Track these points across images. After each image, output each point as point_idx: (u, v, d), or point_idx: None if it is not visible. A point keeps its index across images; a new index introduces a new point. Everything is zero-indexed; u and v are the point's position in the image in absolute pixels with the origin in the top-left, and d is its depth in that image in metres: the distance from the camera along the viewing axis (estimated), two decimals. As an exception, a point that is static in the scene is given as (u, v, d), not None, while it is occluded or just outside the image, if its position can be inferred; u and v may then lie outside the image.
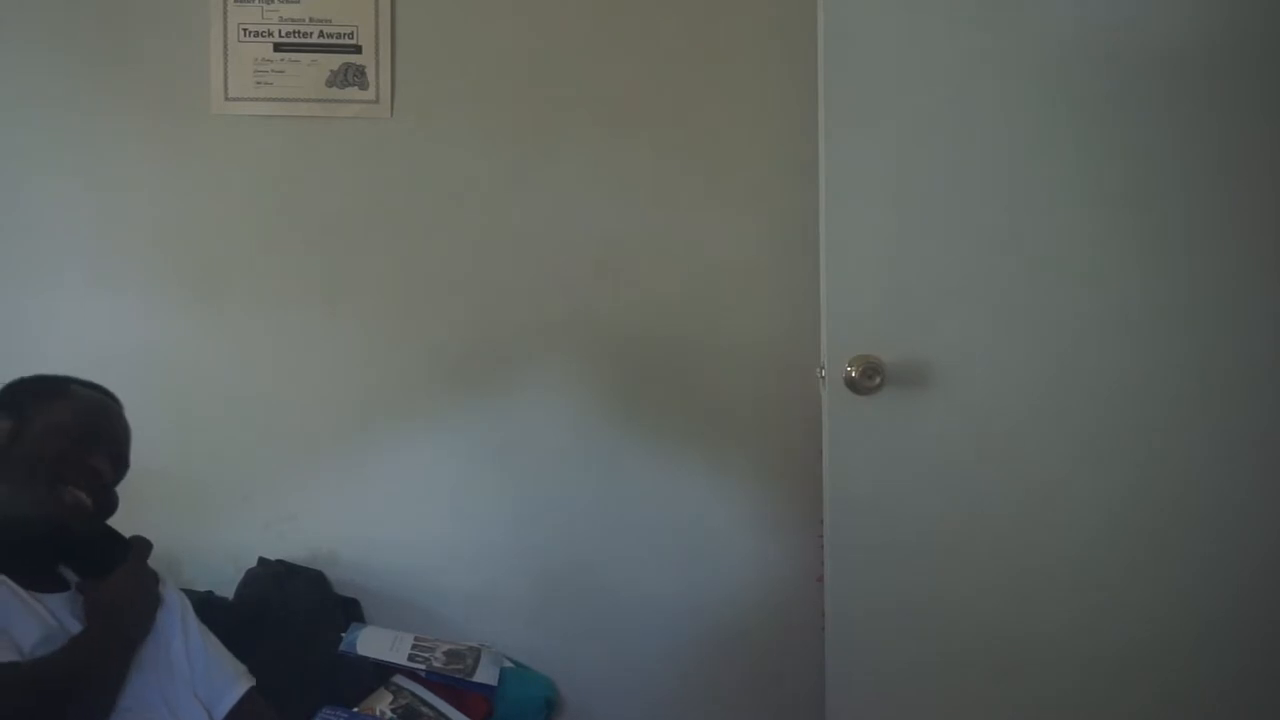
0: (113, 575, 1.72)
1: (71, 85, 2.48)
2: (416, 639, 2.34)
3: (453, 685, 2.26)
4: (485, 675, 2.30)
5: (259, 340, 2.51)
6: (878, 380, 2.19)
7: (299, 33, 2.50)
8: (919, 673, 2.26)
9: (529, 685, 2.39)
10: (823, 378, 2.24)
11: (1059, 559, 2.26)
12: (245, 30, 2.50)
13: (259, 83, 2.50)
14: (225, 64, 2.49)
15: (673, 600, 2.54)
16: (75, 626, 1.65)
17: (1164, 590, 2.26)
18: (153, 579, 1.79)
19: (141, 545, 1.79)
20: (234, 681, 1.85)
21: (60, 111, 2.48)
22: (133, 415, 2.45)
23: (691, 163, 2.53)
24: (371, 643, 2.30)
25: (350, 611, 2.42)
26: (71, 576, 1.75)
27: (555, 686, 2.47)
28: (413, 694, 2.22)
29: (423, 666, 2.27)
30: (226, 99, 2.49)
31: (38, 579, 1.69)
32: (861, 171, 2.21)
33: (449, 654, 2.33)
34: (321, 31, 2.50)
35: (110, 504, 1.77)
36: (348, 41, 2.50)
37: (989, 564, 2.25)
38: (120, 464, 1.81)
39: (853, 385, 2.19)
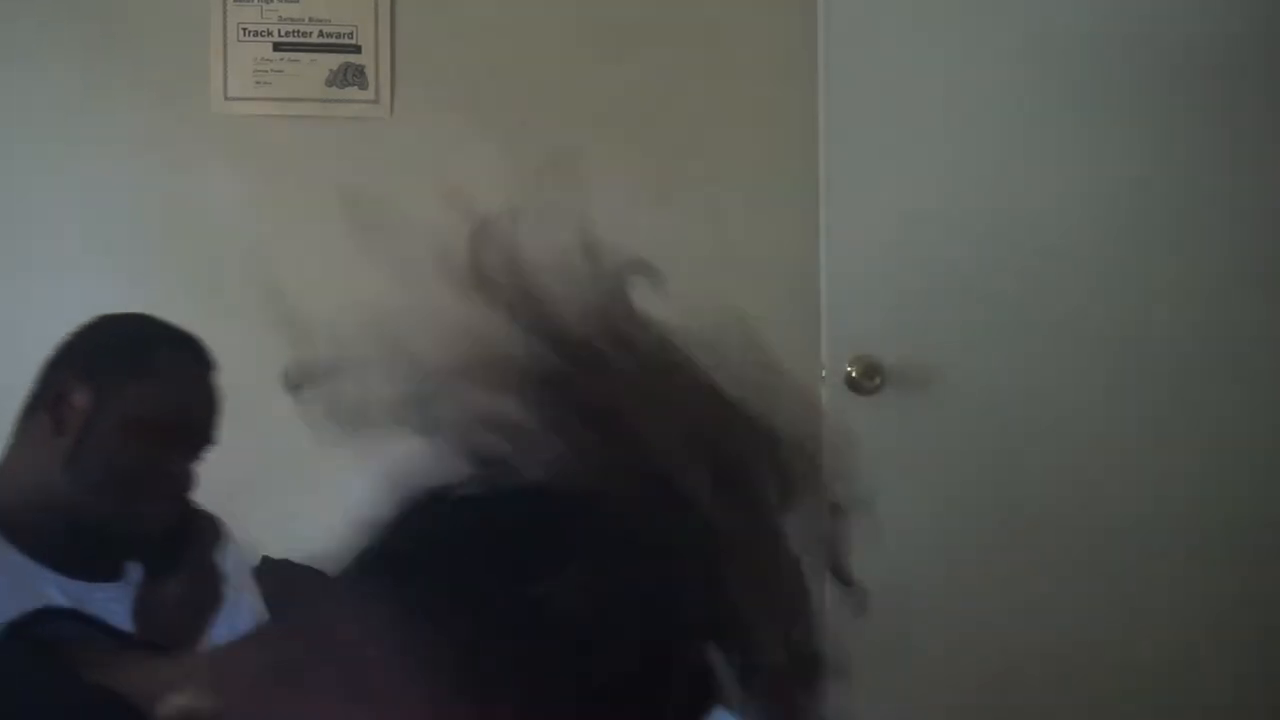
0: (173, 578, 1.49)
1: (71, 85, 2.48)
2: (417, 639, 2.34)
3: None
4: (486, 675, 2.30)
5: (259, 339, 2.51)
6: (878, 380, 2.19)
7: (299, 32, 2.50)
8: (920, 673, 2.26)
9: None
10: (823, 378, 2.24)
11: (1059, 558, 2.26)
12: (245, 30, 2.49)
13: (259, 82, 2.49)
14: (225, 64, 2.49)
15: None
16: (121, 620, 1.44)
17: (1165, 589, 2.27)
18: (215, 579, 1.55)
19: (210, 534, 1.55)
20: None
21: (60, 111, 2.48)
22: (133, 415, 2.48)
23: (692, 162, 2.53)
24: (372, 642, 2.30)
25: (351, 611, 2.42)
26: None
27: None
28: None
29: (423, 666, 2.27)
30: (226, 99, 2.49)
31: (92, 568, 1.48)
32: (861, 171, 2.22)
33: (450, 654, 2.33)
34: (321, 31, 2.50)
35: (188, 492, 1.55)
36: (347, 41, 2.50)
37: (989, 563, 2.26)
38: (207, 448, 1.57)
39: (853, 385, 2.19)
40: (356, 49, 2.50)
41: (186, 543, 1.53)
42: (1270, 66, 2.24)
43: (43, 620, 0.79)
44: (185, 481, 1.52)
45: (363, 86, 2.50)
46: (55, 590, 1.42)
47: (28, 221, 2.49)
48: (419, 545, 0.65)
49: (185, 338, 1.59)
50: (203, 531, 1.56)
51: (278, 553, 2.46)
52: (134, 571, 1.52)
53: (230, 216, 2.52)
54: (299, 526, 2.50)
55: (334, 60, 2.50)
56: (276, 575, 2.40)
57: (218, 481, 2.49)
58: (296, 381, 0.70)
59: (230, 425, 2.50)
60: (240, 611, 1.60)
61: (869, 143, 2.22)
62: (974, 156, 2.23)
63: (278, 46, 2.50)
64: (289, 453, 2.53)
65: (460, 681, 0.58)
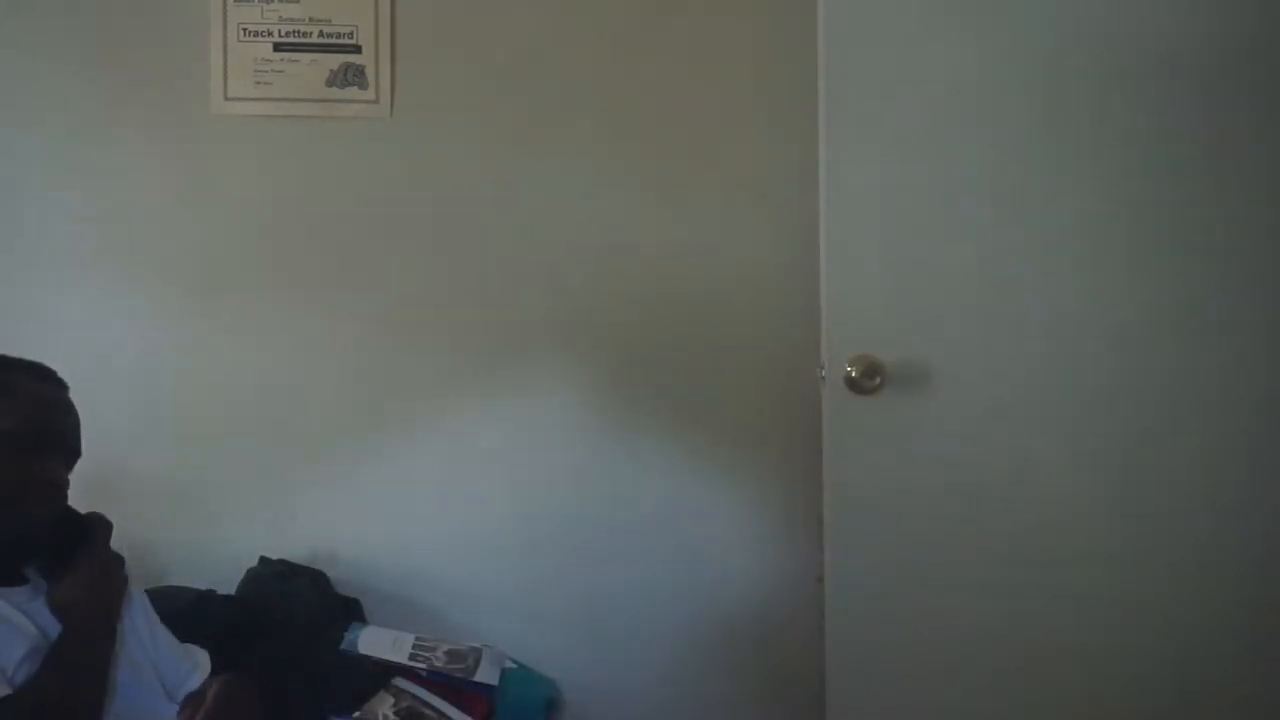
0: (78, 569, 1.63)
1: (71, 85, 2.48)
2: (417, 639, 2.35)
3: (453, 685, 2.26)
4: (486, 675, 2.30)
5: (259, 340, 2.52)
6: (878, 380, 2.19)
7: (299, 33, 2.50)
8: (919, 672, 2.26)
9: (530, 685, 2.39)
10: (823, 378, 2.24)
11: (1058, 559, 2.26)
12: (245, 30, 2.50)
13: (259, 83, 2.50)
14: (225, 64, 2.49)
15: (673, 600, 2.54)
16: (44, 618, 1.60)
17: (1164, 590, 2.26)
18: (118, 563, 1.70)
19: (101, 528, 1.70)
20: (196, 665, 1.80)
21: (60, 112, 2.49)
22: (134, 415, 2.48)
23: (692, 163, 2.53)
24: (372, 642, 2.30)
25: (351, 611, 2.42)
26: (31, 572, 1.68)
27: (556, 687, 2.48)
28: (414, 696, 2.22)
29: (424, 666, 2.28)
30: (226, 99, 2.49)
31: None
32: (862, 172, 2.22)
33: (450, 654, 2.33)
34: (321, 31, 2.50)
35: (65, 499, 1.68)
36: (347, 41, 2.50)
37: (988, 563, 2.26)
38: (74, 459, 1.70)
39: (853, 385, 2.20)
40: (356, 49, 2.50)
41: (82, 540, 1.67)
42: (1271, 68, 2.24)
43: None
44: (62, 488, 1.66)
45: (363, 86, 2.51)
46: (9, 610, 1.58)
47: (28, 222, 2.49)
48: None
49: (35, 364, 1.72)
50: (97, 526, 1.70)
51: (278, 553, 2.46)
52: (34, 576, 1.67)
53: (230, 217, 2.52)
54: (298, 527, 2.52)
55: (334, 60, 2.50)
56: (276, 575, 2.40)
57: (219, 482, 2.50)
58: None
59: (230, 427, 2.52)
60: (134, 602, 1.75)
61: (869, 143, 2.21)
62: (974, 156, 2.23)
63: (278, 47, 2.50)
64: (288, 453, 2.55)
65: None
